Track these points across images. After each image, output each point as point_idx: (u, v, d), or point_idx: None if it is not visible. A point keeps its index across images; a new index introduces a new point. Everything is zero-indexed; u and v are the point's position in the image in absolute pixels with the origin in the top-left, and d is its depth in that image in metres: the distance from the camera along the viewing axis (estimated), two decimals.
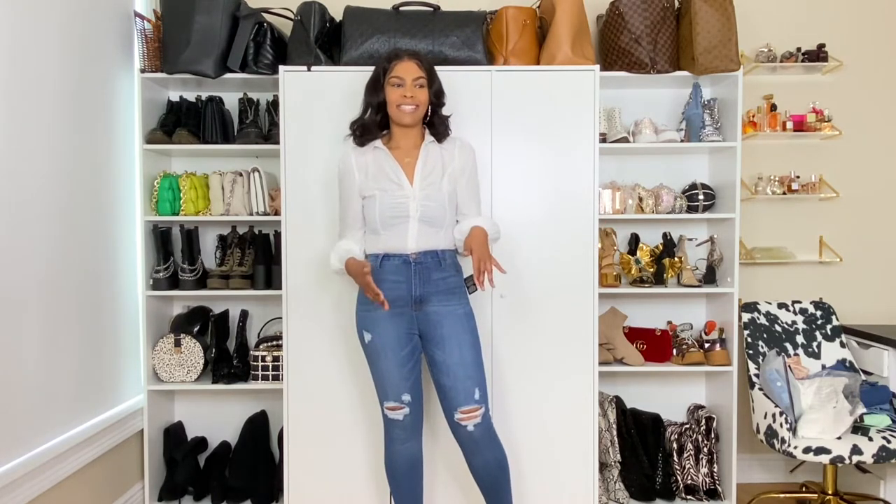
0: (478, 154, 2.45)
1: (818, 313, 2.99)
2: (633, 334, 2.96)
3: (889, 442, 2.47)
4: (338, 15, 2.77)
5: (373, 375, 2.31)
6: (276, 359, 2.78)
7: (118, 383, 2.67)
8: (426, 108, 2.29)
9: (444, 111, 2.36)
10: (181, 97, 2.92)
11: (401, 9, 2.72)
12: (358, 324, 2.32)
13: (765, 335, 2.91)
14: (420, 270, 2.24)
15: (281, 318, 2.75)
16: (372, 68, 2.33)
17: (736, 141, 2.80)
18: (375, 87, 2.29)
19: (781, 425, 2.52)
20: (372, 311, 2.25)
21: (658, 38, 2.76)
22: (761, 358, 2.83)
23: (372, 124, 2.31)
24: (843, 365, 2.87)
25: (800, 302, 3.01)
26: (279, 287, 2.70)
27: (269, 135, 2.84)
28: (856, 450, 2.45)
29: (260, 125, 2.87)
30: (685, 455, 2.88)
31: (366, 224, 2.31)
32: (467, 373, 2.21)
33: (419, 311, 2.25)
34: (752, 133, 2.99)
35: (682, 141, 2.88)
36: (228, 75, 2.74)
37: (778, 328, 2.94)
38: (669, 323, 3.03)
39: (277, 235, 2.86)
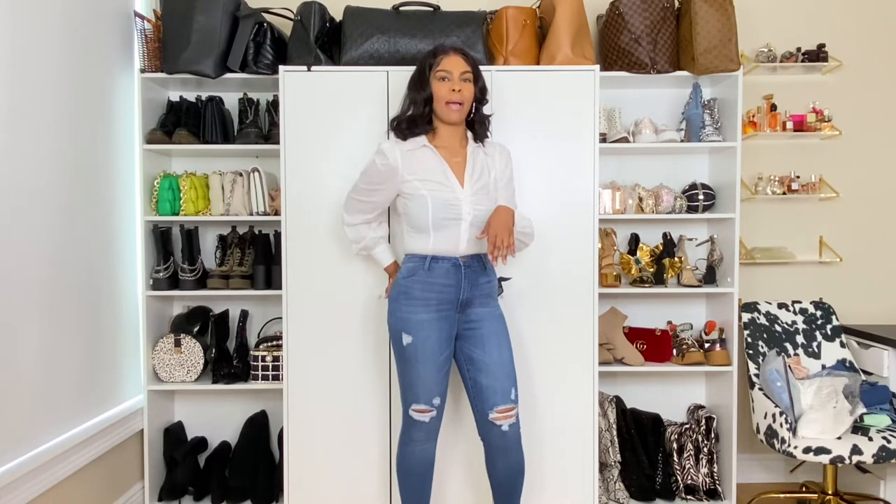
0: None
1: (818, 313, 2.99)
2: (633, 334, 2.96)
3: (889, 442, 2.47)
4: (338, 15, 2.77)
5: (403, 376, 2.24)
6: (276, 359, 2.78)
7: (118, 383, 2.67)
8: (471, 104, 2.26)
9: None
10: (181, 97, 2.92)
11: (401, 9, 2.72)
12: (395, 325, 2.22)
13: (765, 335, 2.91)
14: (469, 274, 2.22)
15: (281, 318, 2.75)
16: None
17: (736, 141, 2.80)
18: (421, 82, 2.24)
19: (781, 425, 2.52)
20: (416, 314, 2.19)
21: (658, 38, 2.76)
22: (761, 358, 2.83)
23: (420, 118, 2.24)
24: (843, 365, 2.87)
25: (800, 302, 3.01)
26: (279, 287, 2.71)
27: (269, 135, 2.84)
28: (856, 450, 2.45)
29: (260, 125, 2.87)
30: (685, 455, 2.88)
31: (408, 223, 2.25)
32: (506, 372, 2.21)
33: (462, 314, 2.24)
34: (752, 133, 2.99)
35: (682, 141, 2.88)
36: (228, 75, 2.74)
37: (778, 328, 2.94)
38: (669, 323, 3.03)
39: (277, 235, 2.86)
